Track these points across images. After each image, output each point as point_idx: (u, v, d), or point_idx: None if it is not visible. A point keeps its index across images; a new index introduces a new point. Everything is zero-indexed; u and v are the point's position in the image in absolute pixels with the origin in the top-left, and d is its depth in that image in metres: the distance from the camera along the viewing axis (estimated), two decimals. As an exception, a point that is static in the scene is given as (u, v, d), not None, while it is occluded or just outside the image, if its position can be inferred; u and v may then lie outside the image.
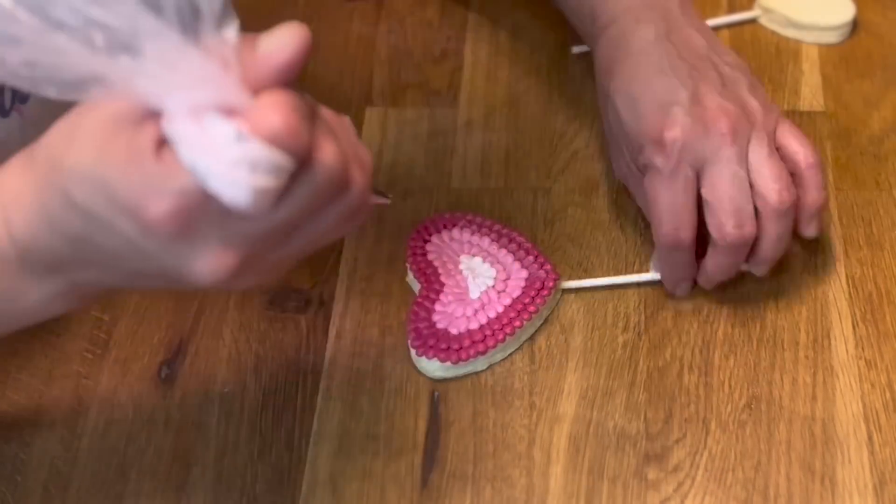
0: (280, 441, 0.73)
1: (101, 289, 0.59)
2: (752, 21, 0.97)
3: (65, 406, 0.74)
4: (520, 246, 0.80)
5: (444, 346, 0.75)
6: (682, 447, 0.72)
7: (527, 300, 0.77)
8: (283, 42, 0.51)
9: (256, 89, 0.51)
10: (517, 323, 0.76)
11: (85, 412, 0.74)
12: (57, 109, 0.77)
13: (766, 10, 0.96)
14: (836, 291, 0.79)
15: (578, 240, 0.82)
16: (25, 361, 0.77)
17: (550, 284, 0.77)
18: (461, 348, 0.75)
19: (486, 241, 0.80)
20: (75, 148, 0.53)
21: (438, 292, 0.77)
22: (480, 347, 0.75)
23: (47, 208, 0.54)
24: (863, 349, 0.76)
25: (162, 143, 0.51)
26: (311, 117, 0.52)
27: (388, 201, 0.67)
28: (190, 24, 0.50)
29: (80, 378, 0.76)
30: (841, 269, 0.80)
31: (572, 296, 0.79)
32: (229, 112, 0.50)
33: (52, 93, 0.50)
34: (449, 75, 0.94)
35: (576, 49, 0.94)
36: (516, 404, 0.74)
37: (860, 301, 0.78)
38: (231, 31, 0.51)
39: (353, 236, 0.82)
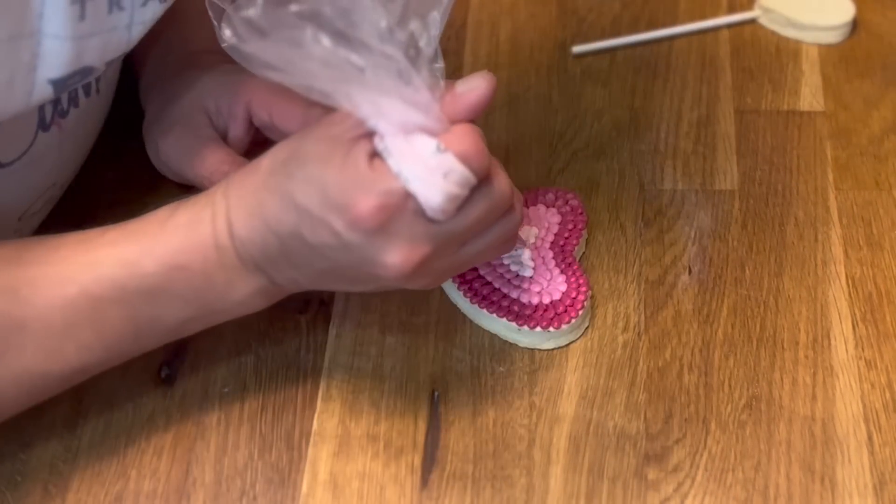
0: (280, 441, 0.73)
1: (293, 289, 0.69)
2: (752, 21, 0.97)
3: (65, 406, 0.74)
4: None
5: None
6: (682, 447, 0.72)
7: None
8: (476, 85, 0.64)
9: (451, 121, 0.63)
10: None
11: (85, 412, 0.74)
12: (88, 124, 0.78)
13: (766, 10, 0.96)
14: (836, 291, 0.79)
15: (578, 240, 0.82)
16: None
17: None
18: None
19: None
20: (300, 157, 0.63)
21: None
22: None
23: (265, 208, 0.64)
24: (863, 349, 0.76)
25: (373, 157, 0.62)
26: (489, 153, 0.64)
27: (531, 243, 0.78)
28: (412, 59, 0.61)
29: (80, 378, 0.76)
30: (841, 269, 0.80)
31: (572, 296, 0.79)
32: (430, 134, 0.62)
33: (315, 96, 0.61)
34: (449, 75, 0.93)
35: (576, 49, 0.94)
36: (516, 404, 0.74)
37: (860, 301, 0.78)
38: (439, 71, 0.63)
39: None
